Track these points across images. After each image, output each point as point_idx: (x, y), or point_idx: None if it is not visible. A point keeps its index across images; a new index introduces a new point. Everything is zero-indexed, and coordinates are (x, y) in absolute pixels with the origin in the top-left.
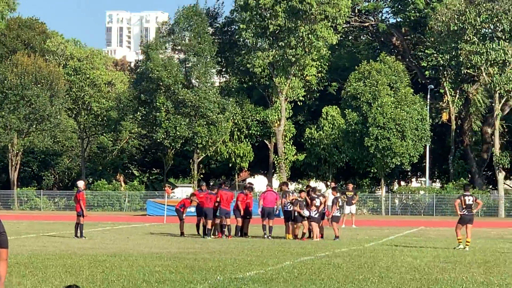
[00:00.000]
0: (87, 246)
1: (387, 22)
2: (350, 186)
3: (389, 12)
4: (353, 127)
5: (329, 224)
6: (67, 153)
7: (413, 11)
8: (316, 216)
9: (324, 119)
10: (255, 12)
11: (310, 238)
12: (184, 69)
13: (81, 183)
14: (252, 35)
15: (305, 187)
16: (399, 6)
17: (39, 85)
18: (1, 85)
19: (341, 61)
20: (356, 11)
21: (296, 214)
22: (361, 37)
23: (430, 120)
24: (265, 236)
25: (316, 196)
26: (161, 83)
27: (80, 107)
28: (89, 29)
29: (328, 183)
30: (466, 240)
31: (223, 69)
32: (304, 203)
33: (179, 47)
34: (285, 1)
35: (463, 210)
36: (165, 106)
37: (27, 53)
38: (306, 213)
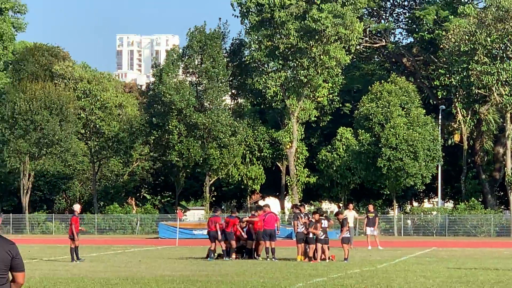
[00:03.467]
0: (99, 269)
1: (400, 43)
2: (371, 207)
3: (401, 33)
4: (365, 148)
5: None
6: (78, 177)
7: (426, 32)
8: (323, 238)
9: (338, 141)
10: (266, 32)
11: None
12: (196, 92)
13: (76, 207)
14: (264, 54)
15: (315, 209)
16: (414, 26)
17: (48, 110)
18: (11, 111)
19: (354, 82)
20: (367, 32)
21: (311, 235)
22: (374, 57)
23: (442, 140)
24: (268, 258)
25: (323, 218)
26: (173, 107)
27: (91, 130)
28: (99, 52)
29: (341, 205)
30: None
31: (235, 92)
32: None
33: (191, 70)
34: (298, 21)
35: None
36: (177, 129)
37: (35, 78)
38: (321, 234)
